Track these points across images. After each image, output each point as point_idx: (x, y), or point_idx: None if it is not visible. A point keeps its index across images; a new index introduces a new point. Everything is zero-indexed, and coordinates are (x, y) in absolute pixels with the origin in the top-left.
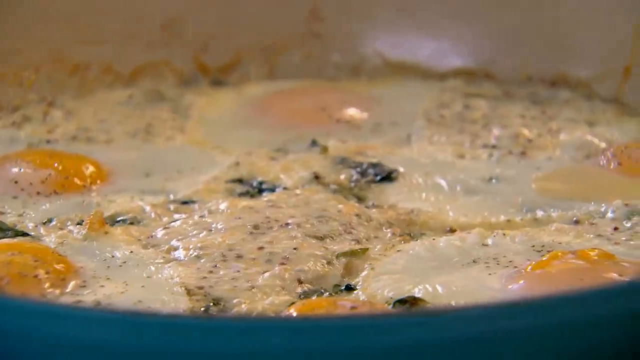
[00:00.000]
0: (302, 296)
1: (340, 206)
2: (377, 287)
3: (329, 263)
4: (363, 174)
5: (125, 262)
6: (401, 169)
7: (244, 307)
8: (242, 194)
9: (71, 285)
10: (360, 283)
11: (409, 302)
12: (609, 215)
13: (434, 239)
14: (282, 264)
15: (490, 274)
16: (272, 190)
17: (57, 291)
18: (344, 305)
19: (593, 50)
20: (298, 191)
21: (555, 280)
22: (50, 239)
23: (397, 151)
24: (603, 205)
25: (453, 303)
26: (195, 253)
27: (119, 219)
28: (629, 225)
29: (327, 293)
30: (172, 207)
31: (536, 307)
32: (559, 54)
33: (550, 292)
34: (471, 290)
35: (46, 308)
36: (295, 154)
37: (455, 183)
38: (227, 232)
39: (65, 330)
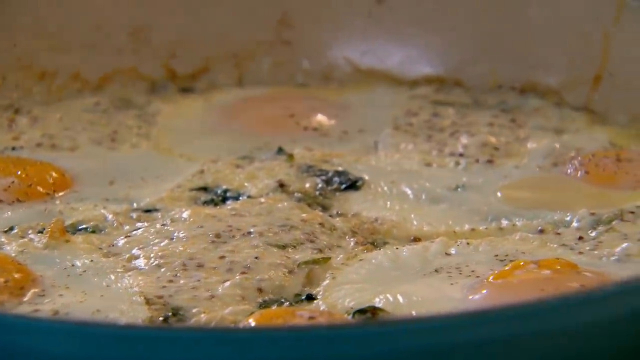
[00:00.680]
0: (262, 306)
1: (304, 215)
2: (338, 297)
3: (290, 272)
4: (328, 182)
5: (85, 271)
6: (367, 177)
7: (203, 317)
8: (206, 202)
9: (30, 294)
10: (321, 292)
11: (369, 312)
12: (574, 224)
13: (397, 248)
14: (243, 273)
15: (452, 284)
16: (237, 198)
17: (16, 300)
18: (302, 315)
19: (563, 58)
20: (262, 199)
21: (516, 291)
22: (11, 248)
23: (363, 159)
24: (568, 214)
25: (414, 313)
26: (155, 262)
27: (80, 227)
28: (593, 234)
29: (288, 302)
30: (134, 215)
31: (492, 318)
32: (528, 62)
33: (510, 302)
34: (432, 300)
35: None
36: (261, 162)
37: (420, 191)
38: (188, 241)
39: (20, 341)
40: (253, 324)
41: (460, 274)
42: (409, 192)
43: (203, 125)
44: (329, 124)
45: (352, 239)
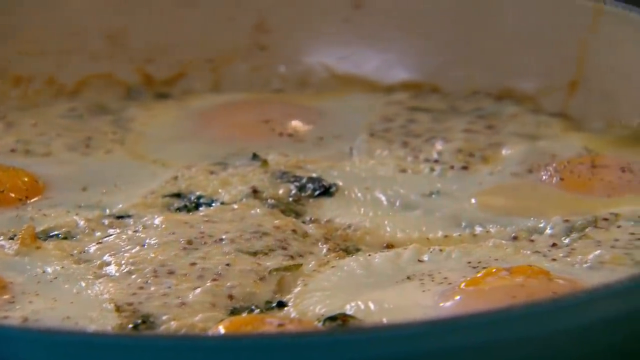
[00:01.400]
0: (232, 313)
1: (277, 221)
2: (309, 304)
3: (261, 279)
4: (301, 188)
5: (56, 277)
6: (341, 184)
7: (173, 324)
8: (179, 209)
9: None
10: (292, 299)
11: (340, 319)
12: (548, 231)
13: (369, 255)
14: (214, 280)
15: (424, 291)
16: (210, 204)
17: None
18: (271, 322)
19: (539, 65)
20: (235, 206)
21: (487, 298)
22: None
23: (338, 165)
24: (542, 221)
25: (384, 320)
26: (126, 269)
27: (52, 233)
28: (567, 241)
29: (259, 310)
30: (106, 221)
31: (461, 326)
32: (505, 68)
33: (481, 309)
34: (403, 307)
35: None
36: (235, 168)
37: (394, 198)
38: (160, 247)
39: None
40: (222, 331)
41: (433, 280)
42: (383, 198)
43: (178, 131)
44: (305, 129)
45: (324, 246)
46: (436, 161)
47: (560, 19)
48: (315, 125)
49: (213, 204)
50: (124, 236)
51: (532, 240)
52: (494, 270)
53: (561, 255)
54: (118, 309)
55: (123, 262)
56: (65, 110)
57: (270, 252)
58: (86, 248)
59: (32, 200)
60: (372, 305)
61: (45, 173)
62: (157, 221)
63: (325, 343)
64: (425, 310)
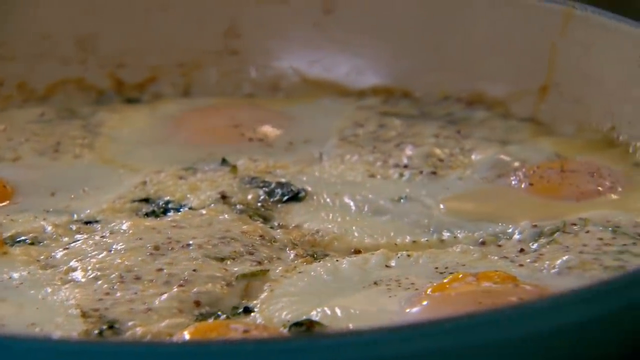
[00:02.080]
0: (199, 319)
1: (245, 227)
2: (275, 310)
3: (228, 285)
4: (270, 194)
5: (22, 283)
6: (309, 189)
7: (138, 330)
8: (147, 214)
9: None
10: (258, 305)
11: (305, 325)
12: (516, 236)
13: (337, 261)
14: (181, 285)
15: (390, 297)
16: (178, 210)
17: None
18: (236, 328)
19: (510, 69)
20: (203, 211)
21: (453, 303)
22: None
23: (307, 170)
24: (511, 226)
25: (350, 326)
26: (93, 274)
27: (19, 239)
28: (535, 247)
29: (225, 315)
30: (74, 227)
31: (425, 332)
32: (475, 73)
33: (447, 315)
34: (369, 313)
35: None
36: (204, 173)
37: (363, 203)
38: (126, 253)
39: None
40: (187, 337)
41: (399, 286)
42: (352, 203)
43: (148, 135)
44: (275, 134)
45: (292, 252)
46: (405, 166)
47: (530, 23)
48: (285, 130)
49: (181, 209)
50: (91, 242)
51: (500, 246)
52: (460, 275)
53: (529, 260)
54: (84, 314)
55: (89, 267)
56: (35, 115)
57: (237, 258)
58: (53, 254)
59: (0, 206)
60: (338, 311)
61: (14, 178)
62: (124, 226)
63: (289, 349)
64: (391, 315)
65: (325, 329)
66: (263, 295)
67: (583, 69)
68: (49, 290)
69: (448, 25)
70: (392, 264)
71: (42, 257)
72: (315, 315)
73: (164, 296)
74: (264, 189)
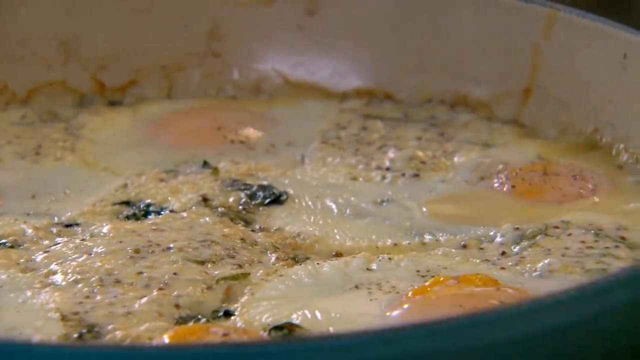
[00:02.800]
0: (179, 322)
1: (226, 230)
2: (256, 313)
3: (208, 288)
4: (252, 196)
5: (1, 286)
6: (291, 192)
7: (118, 334)
8: (128, 217)
9: None
10: (239, 309)
11: (286, 328)
12: (498, 239)
13: (318, 264)
14: (161, 289)
15: (371, 300)
16: (159, 213)
17: None
18: (215, 332)
19: (493, 72)
20: (184, 214)
21: (434, 307)
22: None
23: (289, 173)
24: (493, 229)
25: (331, 330)
26: (73, 278)
27: None
28: (516, 249)
29: (205, 319)
30: (54, 230)
31: (405, 336)
32: (459, 75)
33: (427, 318)
34: (350, 316)
35: None
36: (186, 176)
37: (345, 206)
38: (107, 256)
39: None
40: (166, 341)
41: (381, 289)
42: (334, 206)
43: (129, 138)
44: (257, 137)
45: (273, 255)
46: (388, 169)
47: (514, 25)
48: (267, 132)
49: (162, 212)
50: (72, 245)
51: (482, 249)
52: (441, 279)
53: (510, 263)
54: (63, 318)
55: (69, 271)
56: (16, 117)
57: (218, 261)
58: (33, 257)
59: None
60: (318, 315)
61: None
62: (105, 229)
63: (268, 353)
64: (372, 319)
65: (306, 333)
66: (243, 299)
67: (566, 71)
68: (29, 293)
69: (431, 27)
70: (374, 267)
71: (22, 260)
72: (295, 318)
73: (144, 299)
74: (245, 191)
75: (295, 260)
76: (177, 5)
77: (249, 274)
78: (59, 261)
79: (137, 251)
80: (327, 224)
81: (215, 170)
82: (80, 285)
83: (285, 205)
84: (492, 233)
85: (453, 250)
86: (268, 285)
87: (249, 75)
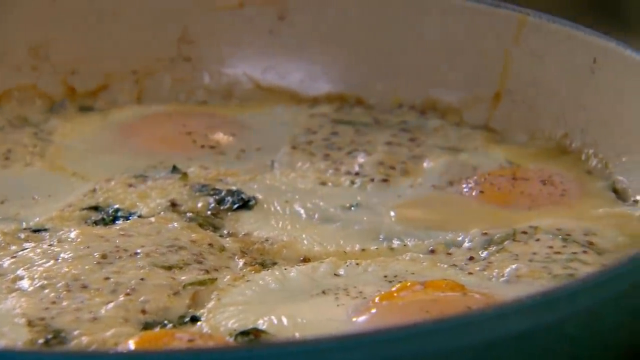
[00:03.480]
0: (145, 328)
1: (194, 235)
2: (222, 319)
3: (175, 294)
4: (220, 201)
5: None
6: (260, 197)
7: (84, 339)
8: (96, 222)
9: None
10: (205, 314)
11: (252, 334)
12: (466, 244)
13: (285, 269)
14: (127, 294)
15: (338, 305)
16: (127, 218)
17: None
18: (180, 337)
19: (463, 77)
20: (152, 219)
21: (400, 312)
22: None
23: (258, 178)
24: (461, 234)
25: (297, 335)
26: (39, 283)
27: None
28: (484, 255)
29: (171, 324)
30: (22, 235)
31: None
32: (429, 80)
33: (393, 324)
34: (316, 322)
35: None
36: (154, 181)
37: (313, 211)
38: (74, 261)
39: None
40: (132, 346)
41: (348, 295)
42: (302, 211)
43: (99, 143)
44: (227, 142)
45: (240, 260)
46: (357, 174)
47: (484, 30)
48: (237, 137)
49: (130, 218)
50: (39, 250)
51: (449, 254)
52: (408, 284)
53: (478, 269)
54: (30, 323)
55: (36, 276)
56: None
57: (185, 267)
58: (0, 262)
59: None
60: (285, 320)
61: None
62: (72, 235)
63: (232, 359)
64: (338, 324)
65: (272, 338)
66: (210, 304)
67: (536, 76)
68: None
69: (402, 32)
70: (341, 272)
71: None
72: (262, 324)
73: (110, 305)
74: (214, 197)
75: (263, 266)
76: (147, 10)
77: (216, 279)
78: (26, 266)
79: (104, 256)
80: (295, 229)
81: (184, 176)
82: (47, 291)
83: (253, 211)
84: (460, 238)
85: (421, 256)
86: (235, 291)
87: (219, 80)
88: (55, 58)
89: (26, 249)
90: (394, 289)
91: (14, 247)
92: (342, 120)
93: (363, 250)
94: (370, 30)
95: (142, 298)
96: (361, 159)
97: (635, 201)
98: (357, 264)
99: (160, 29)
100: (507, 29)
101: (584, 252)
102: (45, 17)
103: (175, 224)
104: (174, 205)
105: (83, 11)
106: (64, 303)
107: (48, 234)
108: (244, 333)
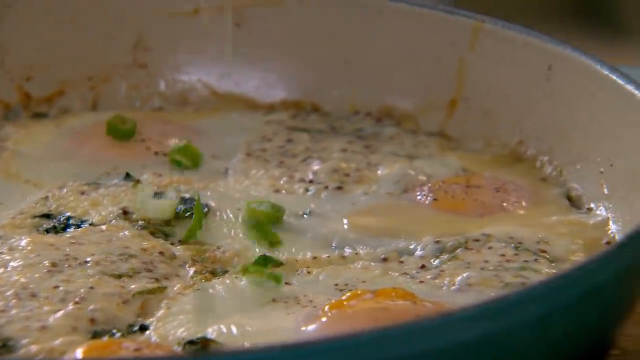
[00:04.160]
0: (94, 336)
1: (145, 243)
2: (171, 327)
3: (124, 302)
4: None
5: None
6: (213, 204)
7: (32, 348)
8: (48, 230)
9: None
10: (154, 323)
11: (201, 343)
12: (418, 252)
13: (236, 277)
14: (77, 303)
15: (288, 314)
16: (79, 226)
17: None
18: (127, 347)
19: (419, 83)
20: (104, 227)
21: (350, 321)
22: None
23: (211, 186)
24: (413, 242)
25: (245, 344)
26: None
27: None
28: (436, 263)
29: (120, 333)
30: None
31: (317, 349)
32: (384, 87)
33: (342, 332)
34: (265, 331)
35: None
36: (107, 188)
37: None
38: (24, 269)
39: None
40: (79, 355)
41: (298, 303)
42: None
43: (53, 150)
44: None
45: (191, 268)
46: (311, 181)
47: (440, 37)
48: (192, 144)
49: (82, 225)
50: None
51: (401, 262)
52: (358, 292)
53: (429, 277)
54: None
55: None
56: None
57: (135, 275)
58: None
59: None
60: (234, 329)
61: None
62: (23, 242)
63: None
64: (287, 333)
65: (220, 347)
66: (159, 313)
67: (492, 83)
68: None
69: (358, 39)
70: (292, 281)
71: None
72: (210, 333)
73: (59, 313)
74: None
75: (214, 274)
76: (102, 16)
77: (165, 287)
78: None
79: (54, 265)
80: (247, 237)
81: (137, 183)
82: None
83: (206, 219)
84: (412, 246)
85: (372, 264)
86: (184, 299)
87: (175, 86)
88: (10, 64)
89: None
90: (344, 297)
91: None
92: (297, 127)
93: (315, 258)
94: (325, 37)
95: (91, 307)
96: (316, 166)
97: (589, 209)
98: (309, 272)
99: (115, 35)
100: (462, 36)
101: (536, 260)
102: (0, 22)
103: (127, 232)
104: (125, 213)
105: (38, 17)
106: (13, 311)
107: None
108: (192, 342)
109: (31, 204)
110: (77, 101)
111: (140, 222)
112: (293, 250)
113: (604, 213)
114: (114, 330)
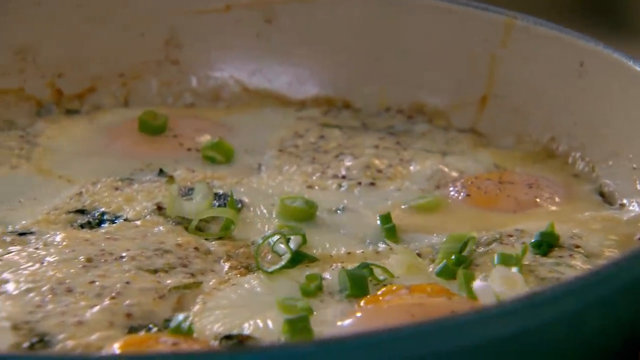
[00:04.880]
0: (130, 331)
1: (179, 239)
2: (207, 323)
3: (161, 297)
4: None
5: None
6: (246, 200)
7: (69, 343)
8: (82, 225)
9: None
10: (190, 318)
11: (237, 338)
12: None
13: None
14: (112, 298)
15: (324, 309)
16: (113, 221)
17: None
18: (165, 341)
19: (450, 80)
20: (138, 223)
21: (386, 316)
22: None
23: (245, 181)
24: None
25: (282, 339)
26: (25, 287)
27: None
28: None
29: (156, 328)
30: (8, 238)
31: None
32: (416, 83)
33: (378, 327)
34: None
35: None
36: (141, 184)
37: None
38: (59, 265)
39: None
40: (116, 350)
41: (333, 298)
42: None
43: (85, 146)
44: None
45: (226, 264)
46: (344, 177)
47: (471, 33)
48: (225, 140)
49: (116, 221)
50: (25, 253)
51: (434, 258)
52: (394, 288)
53: None
54: (15, 327)
55: (22, 279)
56: None
57: (170, 270)
58: None
59: None
60: (270, 324)
61: None
62: (58, 238)
63: None
64: (324, 328)
65: (257, 342)
66: (195, 308)
67: (523, 79)
68: None
69: (389, 35)
70: (327, 276)
71: None
72: (247, 328)
73: (96, 308)
74: None
75: (248, 269)
76: (134, 13)
77: (201, 283)
78: (12, 270)
79: (89, 260)
80: None
81: (171, 179)
82: (32, 295)
83: (240, 214)
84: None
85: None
86: (220, 295)
87: (207, 83)
88: (41, 61)
89: (12, 252)
90: (379, 292)
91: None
92: (329, 124)
93: (349, 253)
94: (357, 34)
95: (127, 302)
96: (348, 162)
97: (622, 205)
98: (343, 267)
99: (147, 32)
100: (494, 32)
101: (570, 255)
102: (32, 19)
103: (161, 228)
104: (160, 208)
105: (69, 13)
106: (49, 307)
107: (34, 237)
108: (229, 337)
109: (65, 199)
110: (109, 98)
111: (174, 218)
112: (327, 245)
113: (637, 209)
114: (151, 325)
